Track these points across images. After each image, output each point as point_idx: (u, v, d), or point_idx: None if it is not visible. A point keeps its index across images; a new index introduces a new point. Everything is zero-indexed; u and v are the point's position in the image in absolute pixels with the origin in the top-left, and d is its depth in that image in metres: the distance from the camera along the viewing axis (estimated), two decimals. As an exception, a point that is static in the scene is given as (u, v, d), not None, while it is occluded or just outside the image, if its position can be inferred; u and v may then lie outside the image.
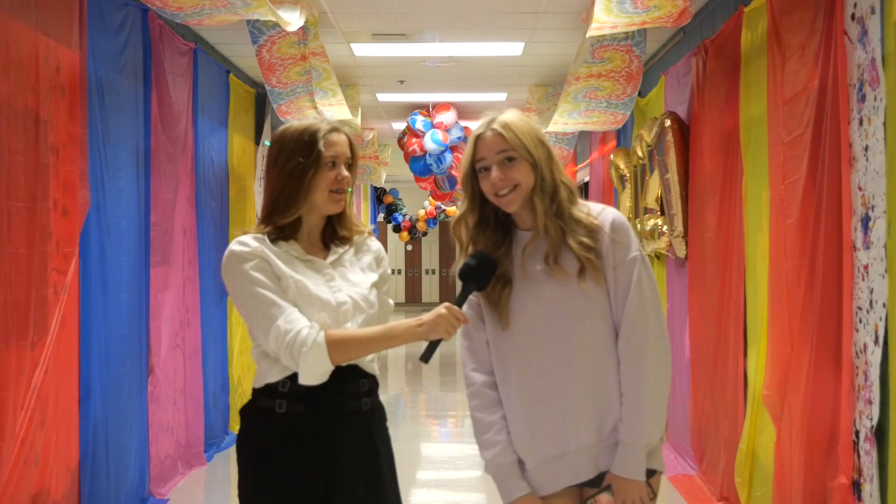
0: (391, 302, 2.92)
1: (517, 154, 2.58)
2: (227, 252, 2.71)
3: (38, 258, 4.34)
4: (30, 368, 4.27)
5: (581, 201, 2.66)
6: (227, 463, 7.06)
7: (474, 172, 2.64)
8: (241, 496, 2.74)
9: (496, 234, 2.67)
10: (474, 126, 2.70)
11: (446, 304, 2.59)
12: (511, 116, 2.62)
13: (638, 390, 2.55)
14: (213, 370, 7.34)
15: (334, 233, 2.82)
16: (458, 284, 2.64)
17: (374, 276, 2.82)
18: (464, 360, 2.71)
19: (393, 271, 21.26)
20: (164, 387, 6.13)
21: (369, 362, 2.78)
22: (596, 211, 2.63)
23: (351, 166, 2.77)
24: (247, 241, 2.71)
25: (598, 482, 2.61)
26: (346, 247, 2.83)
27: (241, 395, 8.19)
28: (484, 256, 2.61)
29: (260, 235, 2.73)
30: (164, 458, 6.12)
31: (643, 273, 2.57)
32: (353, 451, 2.70)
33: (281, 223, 2.73)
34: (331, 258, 2.79)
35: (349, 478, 2.68)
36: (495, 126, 2.60)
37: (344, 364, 2.67)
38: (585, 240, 2.57)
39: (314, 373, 2.62)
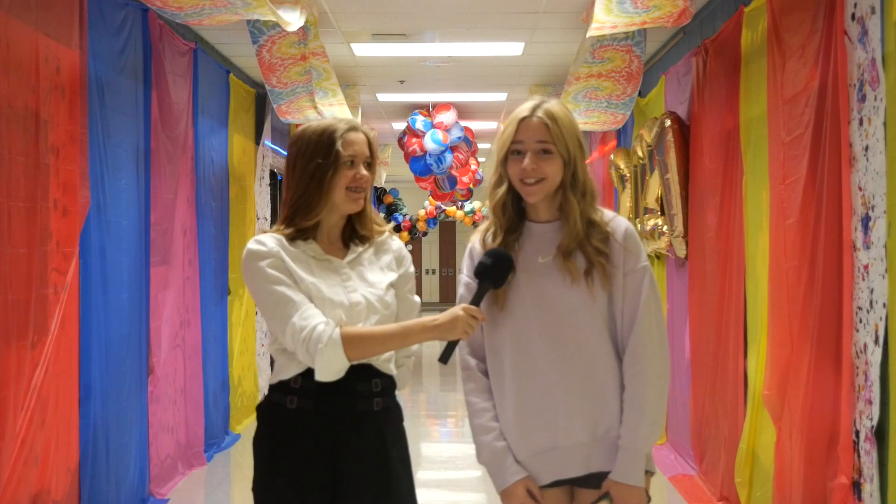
0: (417, 300, 2.89)
1: (555, 148, 2.58)
2: (245, 251, 2.74)
3: (38, 258, 4.33)
4: (30, 368, 4.27)
5: (595, 206, 2.68)
6: (227, 463, 7.07)
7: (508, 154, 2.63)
8: (253, 490, 2.76)
9: (513, 219, 2.67)
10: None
11: (463, 304, 2.60)
12: (557, 108, 2.61)
13: (640, 399, 2.57)
14: (213, 370, 7.33)
15: (354, 232, 2.82)
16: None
17: (392, 276, 2.82)
18: (460, 343, 2.71)
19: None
20: (164, 387, 6.13)
21: (384, 362, 2.76)
22: (608, 217, 2.65)
23: (370, 165, 2.77)
24: (264, 241, 2.73)
25: (587, 482, 2.61)
26: (366, 246, 2.82)
27: (241, 394, 8.19)
28: (500, 254, 2.62)
29: (278, 236, 2.74)
30: (164, 458, 6.12)
31: (651, 285, 2.61)
32: (362, 452, 2.69)
33: (304, 225, 2.74)
34: (349, 257, 2.78)
35: (357, 478, 2.67)
36: (541, 114, 2.59)
37: (356, 363, 2.66)
38: (600, 245, 2.59)
39: (330, 369, 2.62)
